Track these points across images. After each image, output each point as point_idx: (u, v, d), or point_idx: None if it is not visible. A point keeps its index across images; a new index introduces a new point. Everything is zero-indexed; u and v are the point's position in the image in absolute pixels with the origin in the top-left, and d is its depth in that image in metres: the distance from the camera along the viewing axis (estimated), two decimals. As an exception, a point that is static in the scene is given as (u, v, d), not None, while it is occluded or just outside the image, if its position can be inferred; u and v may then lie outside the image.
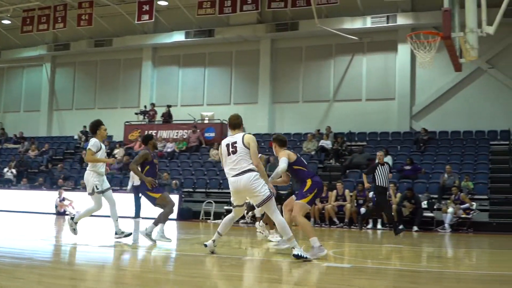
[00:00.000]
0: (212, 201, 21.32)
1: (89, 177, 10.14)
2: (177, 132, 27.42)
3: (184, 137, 26.87)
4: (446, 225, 18.11)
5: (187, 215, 21.19)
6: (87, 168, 10.29)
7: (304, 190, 8.48)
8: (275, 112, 28.29)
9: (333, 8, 25.44)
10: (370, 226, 18.49)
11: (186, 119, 27.52)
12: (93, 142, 10.14)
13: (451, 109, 25.14)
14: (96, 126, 10.35)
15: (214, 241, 8.36)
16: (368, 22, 25.95)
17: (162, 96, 30.07)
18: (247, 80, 28.99)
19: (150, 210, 18.93)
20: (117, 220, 10.40)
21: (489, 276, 7.20)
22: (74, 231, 10.29)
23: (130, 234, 10.65)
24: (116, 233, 10.43)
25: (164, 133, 27.50)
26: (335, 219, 19.23)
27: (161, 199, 10.19)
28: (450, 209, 18.14)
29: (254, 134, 29.00)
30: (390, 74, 26.28)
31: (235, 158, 7.75)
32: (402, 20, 25.48)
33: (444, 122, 24.95)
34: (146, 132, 27.70)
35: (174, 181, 22.03)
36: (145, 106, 28.84)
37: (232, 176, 7.74)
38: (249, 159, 7.75)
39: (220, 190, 22.41)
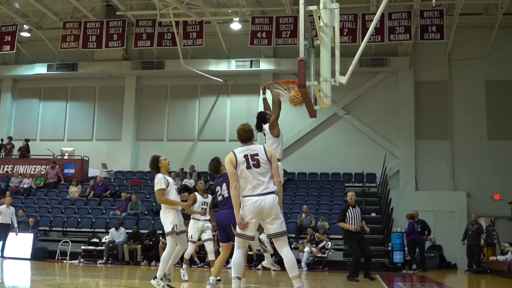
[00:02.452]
0: (69, 241, 20.52)
1: (167, 215, 9.22)
2: (35, 168, 26.29)
3: (42, 172, 25.80)
4: (303, 264, 18.58)
5: (42, 255, 20.23)
6: (162, 206, 9.32)
7: None
8: (139, 149, 27.98)
9: (199, 50, 25.81)
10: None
11: (45, 154, 26.50)
12: (158, 180, 9.24)
13: (310, 152, 26.11)
14: (156, 161, 9.60)
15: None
16: (232, 65, 26.60)
17: (20, 130, 28.83)
18: (111, 116, 28.51)
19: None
20: (167, 267, 9.28)
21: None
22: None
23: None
24: (156, 277, 9.17)
25: (21, 168, 26.27)
26: (196, 259, 19.12)
27: None
28: (307, 249, 18.69)
29: (116, 171, 28.26)
30: (252, 116, 26.75)
31: (258, 172, 6.77)
32: (264, 65, 26.36)
33: (303, 163, 25.83)
34: (1, 167, 26.39)
35: (30, 219, 21.03)
36: (1, 139, 27.48)
37: (256, 195, 6.67)
38: (270, 176, 6.85)
39: (78, 229, 21.66)
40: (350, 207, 13.80)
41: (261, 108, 26.51)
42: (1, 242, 19.32)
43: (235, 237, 6.84)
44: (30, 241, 19.94)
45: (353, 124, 25.91)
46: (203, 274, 15.51)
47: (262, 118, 9.04)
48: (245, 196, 6.69)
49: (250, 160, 6.80)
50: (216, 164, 9.23)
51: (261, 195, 6.64)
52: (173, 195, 9.35)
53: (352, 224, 13.59)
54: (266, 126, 8.77)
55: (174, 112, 27.91)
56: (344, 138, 25.96)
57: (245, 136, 7.09)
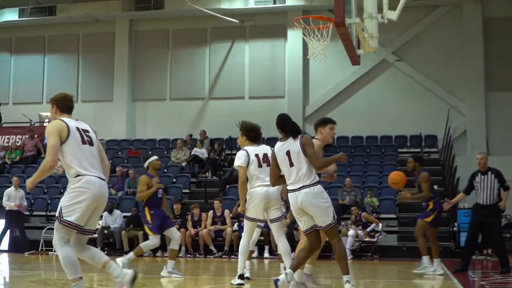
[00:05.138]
0: (54, 228, 20.81)
1: None
2: (8, 138, 26.65)
3: (18, 144, 26.12)
4: (347, 251, 18.68)
5: (22, 245, 20.58)
6: None
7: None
8: (136, 112, 28.16)
9: (208, -18, 25.79)
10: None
11: (20, 121, 26.78)
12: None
13: (352, 110, 26.01)
14: None
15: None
16: (251, 2, 26.47)
17: (-12, 92, 29.17)
18: (100, 71, 28.69)
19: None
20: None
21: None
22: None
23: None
24: None
25: (-10, 140, 26.70)
26: (212, 247, 19.33)
27: None
28: (351, 232, 18.76)
29: (109, 141, 28.51)
30: (278, 66, 26.89)
31: (92, 151, 7.16)
32: (292, 0, 26.17)
33: (344, 125, 25.60)
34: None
35: (4, 202, 21.38)
36: (-36, 105, 27.89)
37: (94, 176, 7.02)
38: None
39: (64, 213, 21.92)
40: (480, 174, 13.21)
41: (289, 56, 26.54)
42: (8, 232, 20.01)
43: (62, 224, 6.86)
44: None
45: (407, 73, 25.77)
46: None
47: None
48: (81, 175, 6.87)
49: (83, 134, 7.06)
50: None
51: (99, 178, 7.00)
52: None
53: (480, 197, 13.13)
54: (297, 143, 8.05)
55: (178, 63, 27.94)
56: (395, 91, 25.89)
57: (70, 105, 7.28)
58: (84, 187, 6.77)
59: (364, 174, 23.00)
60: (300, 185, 7.74)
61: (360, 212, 19.32)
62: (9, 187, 23.13)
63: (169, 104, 27.90)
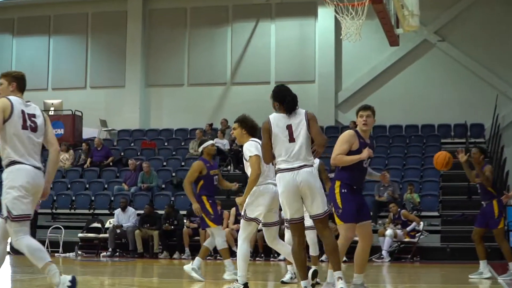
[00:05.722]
0: (61, 227, 20.91)
1: None
2: (10, 128, 26.74)
3: (21, 135, 26.20)
4: (384, 253, 18.60)
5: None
6: None
7: None
8: (150, 99, 28.19)
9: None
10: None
11: (23, 110, 26.88)
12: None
13: (390, 96, 25.88)
14: None
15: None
16: (277, -24, 26.50)
17: (-13, 77, 29.26)
18: (110, 54, 28.75)
19: None
20: None
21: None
22: None
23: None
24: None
25: (-9, 130, 26.77)
26: (235, 248, 19.28)
27: None
28: (389, 231, 18.66)
29: (120, 131, 28.50)
30: (308, 48, 26.77)
31: (33, 138, 7.33)
32: (323, -26, 26.06)
33: (381, 113, 25.29)
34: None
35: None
36: (-38, 91, 27.99)
37: (31, 166, 7.22)
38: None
39: (72, 211, 22.01)
40: None
41: (319, 36, 26.40)
42: None
43: (14, 221, 6.99)
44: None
45: (451, 55, 25.59)
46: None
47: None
48: (14, 162, 7.05)
49: (27, 119, 7.21)
50: None
51: (37, 168, 7.14)
52: None
53: None
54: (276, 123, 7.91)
55: (196, 45, 27.93)
56: (438, 75, 25.72)
57: (25, 86, 7.47)
58: (20, 174, 6.98)
59: (403, 167, 22.85)
60: (302, 164, 7.57)
61: (399, 209, 19.20)
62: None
63: (187, 90, 27.89)
